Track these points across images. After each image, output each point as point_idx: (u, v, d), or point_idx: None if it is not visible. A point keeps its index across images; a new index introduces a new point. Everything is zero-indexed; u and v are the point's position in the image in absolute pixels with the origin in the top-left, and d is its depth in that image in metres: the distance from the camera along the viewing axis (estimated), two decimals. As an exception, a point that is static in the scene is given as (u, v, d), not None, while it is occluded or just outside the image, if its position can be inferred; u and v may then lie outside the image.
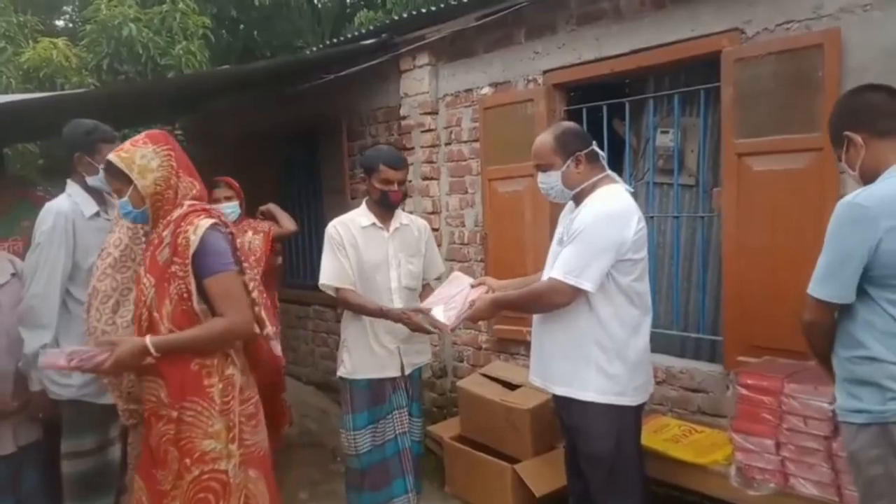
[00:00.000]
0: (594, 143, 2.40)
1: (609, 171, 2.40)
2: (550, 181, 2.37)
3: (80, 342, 2.39)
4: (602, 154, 2.40)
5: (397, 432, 2.84)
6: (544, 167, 2.37)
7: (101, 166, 2.44)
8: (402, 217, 2.92)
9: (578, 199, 2.37)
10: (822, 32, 2.59)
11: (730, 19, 2.86)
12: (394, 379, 2.83)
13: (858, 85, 1.97)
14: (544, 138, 2.39)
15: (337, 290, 2.79)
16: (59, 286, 2.53)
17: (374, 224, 2.83)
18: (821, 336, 1.86)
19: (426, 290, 2.97)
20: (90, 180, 2.61)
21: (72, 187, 2.64)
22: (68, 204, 2.58)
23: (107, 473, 2.62)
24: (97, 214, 2.63)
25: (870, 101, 1.84)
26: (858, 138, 1.82)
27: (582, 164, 2.33)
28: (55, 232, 2.51)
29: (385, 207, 2.82)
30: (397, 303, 2.81)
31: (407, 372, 2.85)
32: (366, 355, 2.80)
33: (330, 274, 2.79)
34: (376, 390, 2.82)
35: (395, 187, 2.77)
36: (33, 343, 2.49)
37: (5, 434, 2.61)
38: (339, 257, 2.78)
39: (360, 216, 2.85)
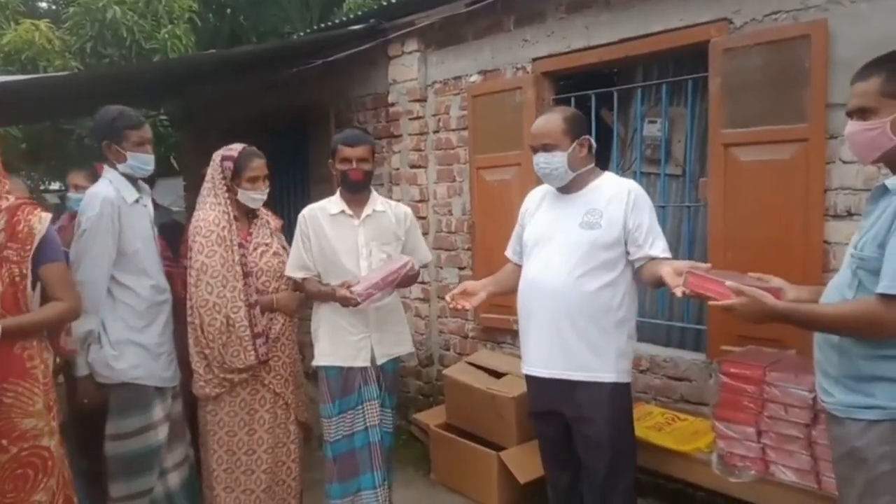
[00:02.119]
0: None
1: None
2: (555, 161, 2.33)
3: (125, 326, 2.60)
4: (593, 144, 2.43)
5: (367, 424, 2.71)
6: (550, 147, 2.33)
7: (129, 152, 2.61)
8: (377, 203, 2.77)
9: (576, 185, 2.38)
10: (809, 24, 2.60)
11: (718, 9, 2.86)
12: (364, 369, 2.70)
13: None
14: (553, 118, 2.37)
15: (303, 280, 2.75)
16: (105, 272, 2.56)
17: (343, 212, 2.71)
18: None
19: None
20: (120, 167, 2.64)
21: (110, 173, 2.66)
22: (112, 190, 2.60)
23: (149, 455, 2.67)
24: (136, 201, 2.68)
25: None
26: None
27: (585, 149, 2.36)
28: (102, 219, 2.53)
29: (349, 190, 2.71)
30: None
31: (379, 363, 2.72)
32: (335, 342, 2.70)
33: (290, 264, 2.77)
34: (345, 380, 2.70)
35: (354, 165, 2.65)
36: (80, 328, 2.50)
37: None
38: (302, 248, 2.73)
39: (331, 203, 2.75)
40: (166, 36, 5.59)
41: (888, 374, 1.65)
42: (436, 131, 4.16)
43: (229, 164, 2.74)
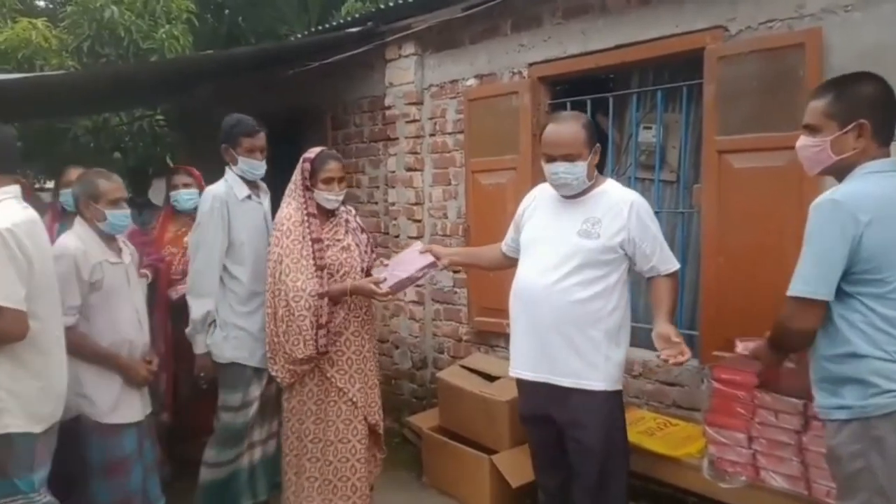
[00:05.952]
0: None
1: None
2: (577, 171, 2.30)
3: (231, 311, 2.87)
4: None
5: None
6: (573, 157, 2.29)
7: (240, 157, 2.92)
8: None
9: (580, 191, 2.38)
10: (803, 32, 2.62)
11: (713, 17, 2.88)
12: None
13: (878, 74, 1.85)
14: (573, 127, 2.33)
15: None
16: (217, 261, 2.85)
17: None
18: (805, 339, 1.81)
19: None
20: (235, 168, 2.94)
21: (228, 173, 2.97)
22: (224, 188, 2.91)
23: (236, 431, 2.92)
24: (249, 197, 2.96)
25: (891, 100, 1.79)
26: (869, 129, 1.76)
27: (597, 157, 2.37)
28: (212, 214, 2.83)
29: None
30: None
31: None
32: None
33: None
34: None
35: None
36: (199, 311, 2.84)
37: (136, 401, 2.67)
38: None
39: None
40: (164, 36, 5.57)
41: (856, 374, 1.72)
42: (432, 134, 4.17)
43: (307, 165, 2.79)
